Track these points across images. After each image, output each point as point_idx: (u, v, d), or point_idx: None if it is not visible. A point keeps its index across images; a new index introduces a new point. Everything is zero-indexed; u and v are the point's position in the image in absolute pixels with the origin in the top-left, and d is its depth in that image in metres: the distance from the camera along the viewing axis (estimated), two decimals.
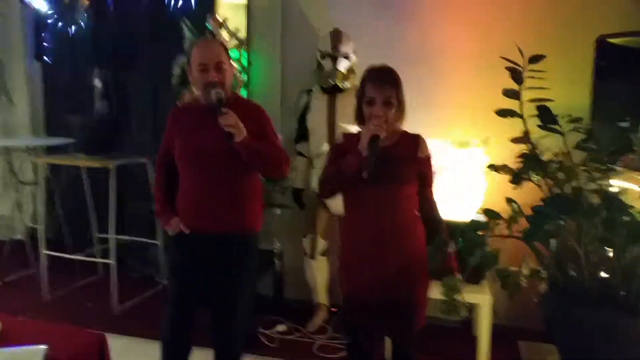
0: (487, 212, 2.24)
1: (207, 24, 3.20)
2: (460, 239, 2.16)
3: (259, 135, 2.20)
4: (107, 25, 4.08)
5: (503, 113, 1.29)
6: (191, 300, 2.29)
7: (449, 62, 3.44)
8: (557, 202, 1.24)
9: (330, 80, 3.20)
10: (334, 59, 3.24)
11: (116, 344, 2.39)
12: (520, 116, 2.01)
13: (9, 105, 4.59)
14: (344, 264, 2.18)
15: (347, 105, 3.35)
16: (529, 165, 1.48)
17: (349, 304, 2.16)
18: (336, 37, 3.26)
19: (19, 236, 4.35)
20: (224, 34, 3.19)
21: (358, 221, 2.10)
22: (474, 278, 2.73)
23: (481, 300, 2.83)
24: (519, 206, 2.26)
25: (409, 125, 2.13)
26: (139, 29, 3.97)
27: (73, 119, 3.79)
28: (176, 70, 3.23)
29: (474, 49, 3.35)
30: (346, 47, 3.26)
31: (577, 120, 2.11)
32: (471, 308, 3.04)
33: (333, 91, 3.27)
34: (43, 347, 1.51)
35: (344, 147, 2.10)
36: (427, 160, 2.10)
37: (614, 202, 1.38)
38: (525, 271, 1.96)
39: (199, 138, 2.17)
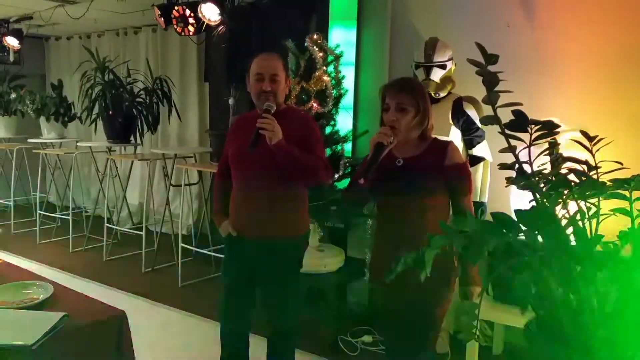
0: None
1: (305, 44, 3.42)
2: None
3: (301, 141, 2.28)
4: (236, 45, 4.57)
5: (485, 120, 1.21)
6: (237, 296, 2.50)
7: (567, 66, 3.14)
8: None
9: None
10: (427, 69, 3.20)
11: None
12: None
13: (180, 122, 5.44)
14: (372, 266, 2.24)
15: (440, 115, 3.25)
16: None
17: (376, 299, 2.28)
18: (430, 46, 3.21)
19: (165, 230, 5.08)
20: (318, 51, 3.36)
21: (383, 225, 2.15)
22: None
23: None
24: None
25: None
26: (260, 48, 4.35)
27: (212, 132, 4.36)
28: None
29: (593, 52, 3.03)
30: (441, 56, 3.20)
31: None
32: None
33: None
34: (62, 313, 1.85)
35: None
36: (455, 169, 2.01)
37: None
38: None
39: (243, 142, 2.28)
